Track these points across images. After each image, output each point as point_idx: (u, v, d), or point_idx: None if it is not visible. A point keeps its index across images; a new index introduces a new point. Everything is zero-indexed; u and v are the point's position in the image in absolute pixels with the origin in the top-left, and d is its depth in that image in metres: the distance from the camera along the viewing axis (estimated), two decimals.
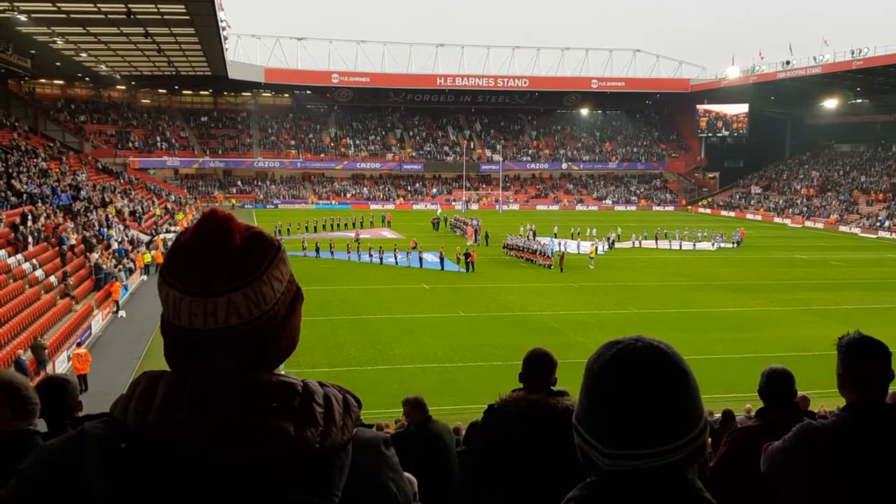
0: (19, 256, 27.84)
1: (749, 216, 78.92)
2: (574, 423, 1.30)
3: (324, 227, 56.01)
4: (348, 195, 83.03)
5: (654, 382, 1.22)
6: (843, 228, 68.11)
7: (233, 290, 1.18)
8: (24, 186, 36.75)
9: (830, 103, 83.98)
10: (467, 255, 39.78)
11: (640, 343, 1.27)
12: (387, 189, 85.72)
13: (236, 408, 1.16)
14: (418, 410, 6.72)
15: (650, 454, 1.21)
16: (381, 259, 41.72)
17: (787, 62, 76.66)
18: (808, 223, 72.39)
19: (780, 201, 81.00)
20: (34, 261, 28.40)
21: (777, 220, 75.81)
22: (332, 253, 43.48)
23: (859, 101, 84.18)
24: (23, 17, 40.83)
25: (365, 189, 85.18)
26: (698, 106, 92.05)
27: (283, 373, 1.27)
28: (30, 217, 31.69)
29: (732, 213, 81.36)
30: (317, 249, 43.68)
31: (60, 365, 20.72)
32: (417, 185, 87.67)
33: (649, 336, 1.31)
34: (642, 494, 1.21)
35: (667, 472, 1.22)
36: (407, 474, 5.69)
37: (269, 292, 1.21)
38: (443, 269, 39.66)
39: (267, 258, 1.22)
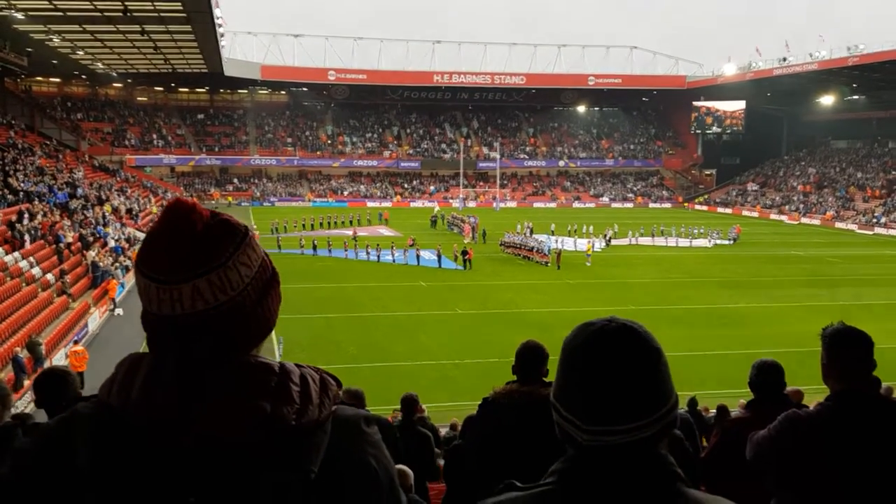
0: (16, 254, 27.80)
1: (745, 213, 79.02)
2: (552, 401, 1.35)
3: (321, 224, 55.97)
4: (345, 193, 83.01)
5: (628, 361, 1.27)
6: (839, 225, 68.24)
7: (197, 276, 1.21)
8: (21, 184, 36.69)
9: (827, 100, 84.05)
10: (465, 252, 39.81)
11: (614, 323, 1.32)
12: (384, 187, 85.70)
13: (214, 388, 1.19)
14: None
15: (626, 429, 1.25)
16: (379, 257, 41.73)
17: (784, 59, 76.72)
18: (804, 220, 72.51)
19: (777, 198, 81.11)
20: (31, 258, 28.37)
21: (773, 216, 75.92)
22: (329, 251, 43.49)
23: (855, 97, 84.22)
24: (19, 15, 40.74)
25: (362, 187, 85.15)
26: (695, 103, 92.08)
27: (260, 355, 1.30)
28: (26, 215, 31.64)
29: (729, 210, 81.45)
30: (314, 247, 43.68)
31: (58, 362, 20.71)
32: (415, 182, 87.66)
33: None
34: (618, 467, 1.26)
35: (640, 446, 1.26)
36: (403, 467, 5.72)
37: (235, 278, 1.24)
38: (440, 266, 39.68)
39: (233, 244, 1.25)
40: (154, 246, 1.24)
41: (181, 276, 1.20)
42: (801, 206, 76.49)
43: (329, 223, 56.79)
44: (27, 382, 17.84)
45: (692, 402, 12.01)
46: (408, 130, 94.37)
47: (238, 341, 1.26)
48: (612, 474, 1.26)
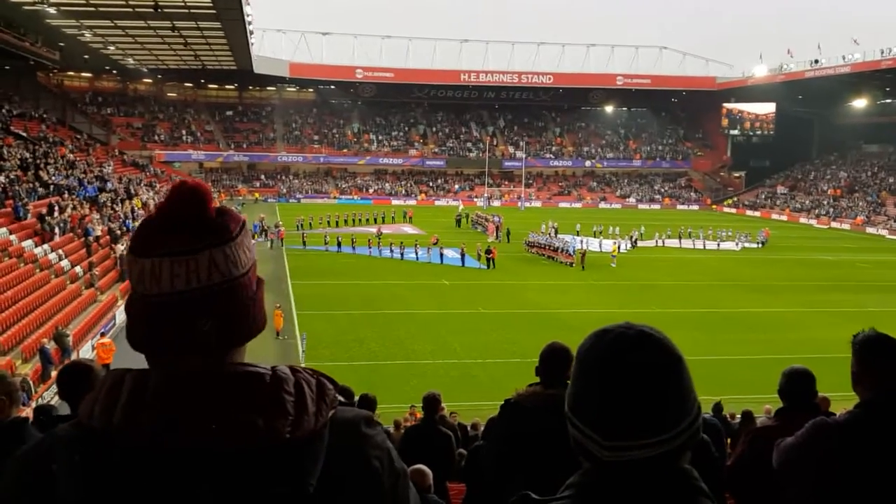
0: (45, 247, 28.21)
1: (775, 216, 78.09)
2: (567, 413, 1.27)
3: (346, 222, 56.18)
4: (370, 190, 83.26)
5: (649, 372, 1.20)
6: (870, 230, 67.18)
7: (214, 246, 1.20)
8: (52, 177, 37.21)
9: (859, 103, 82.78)
10: (488, 251, 39.73)
11: (632, 331, 1.24)
12: (409, 185, 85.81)
13: (202, 404, 1.14)
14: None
15: (647, 444, 1.19)
16: (402, 255, 41.79)
17: (816, 61, 75.74)
18: (834, 224, 71.48)
19: (807, 201, 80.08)
20: (60, 251, 28.76)
21: (803, 220, 74.94)
22: (353, 248, 43.61)
23: (888, 100, 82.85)
24: (52, 10, 41.33)
25: (387, 184, 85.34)
26: (725, 104, 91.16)
27: (250, 362, 1.26)
28: (56, 208, 32.08)
29: (758, 213, 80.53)
30: (338, 244, 43.84)
31: (85, 354, 20.97)
32: (440, 181, 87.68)
33: (666, 329, 1.28)
34: (638, 482, 1.20)
35: (662, 460, 1.20)
36: (422, 466, 5.66)
37: (243, 256, 1.24)
38: (464, 265, 39.65)
39: (238, 225, 1.26)
40: (168, 221, 1.21)
41: (200, 244, 1.19)
42: (831, 210, 75.43)
43: (353, 220, 56.98)
44: (54, 374, 18.08)
45: (717, 407, 11.87)
46: (434, 129, 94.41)
47: (240, 327, 1.24)
48: (632, 489, 1.20)
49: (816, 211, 76.26)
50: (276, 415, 1.15)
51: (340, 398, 1.30)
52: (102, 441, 1.13)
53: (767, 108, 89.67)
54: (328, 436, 1.21)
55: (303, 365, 1.33)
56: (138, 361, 1.28)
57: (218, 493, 1.10)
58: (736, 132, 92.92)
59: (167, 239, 1.20)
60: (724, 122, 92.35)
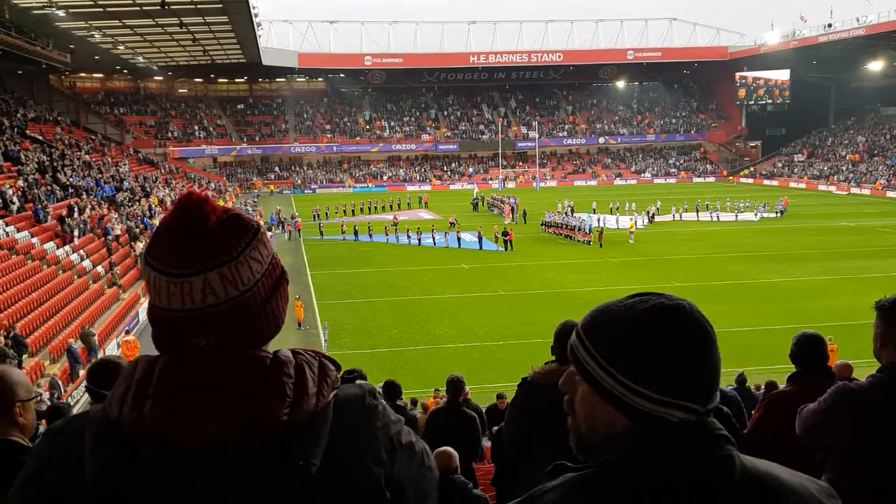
0: (67, 248, 28.50)
1: (793, 184, 77.27)
2: (609, 370, 1.23)
3: (361, 210, 56.27)
4: (385, 177, 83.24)
5: (706, 334, 1.22)
6: (890, 194, 66.29)
7: (208, 269, 1.19)
8: (69, 179, 37.53)
9: (875, 65, 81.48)
10: (505, 233, 39.68)
11: (678, 299, 1.28)
12: (423, 170, 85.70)
13: (202, 391, 1.16)
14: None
15: (692, 409, 1.19)
16: (420, 240, 41.83)
17: (829, 25, 74.62)
18: (854, 190, 70.64)
19: (825, 168, 79.14)
20: (81, 252, 29.06)
21: (822, 187, 74.09)
22: (370, 236, 43.70)
23: None
24: (61, 13, 41.56)
25: (401, 171, 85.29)
26: (738, 74, 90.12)
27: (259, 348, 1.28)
28: (75, 209, 32.38)
29: (775, 182, 79.70)
30: (355, 233, 43.96)
31: (111, 352, 21.24)
32: (453, 164, 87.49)
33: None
34: (673, 441, 1.19)
35: (695, 422, 1.21)
36: (448, 448, 5.70)
37: (246, 273, 1.22)
38: (481, 248, 39.64)
39: (244, 239, 1.23)
40: (165, 238, 1.22)
41: (193, 268, 1.18)
42: (851, 175, 74.51)
43: (369, 208, 57.05)
44: (82, 373, 18.33)
45: (741, 378, 11.85)
46: (445, 113, 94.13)
47: (245, 339, 1.23)
48: (668, 448, 1.19)
49: (835, 177, 75.37)
50: (275, 397, 1.17)
51: (363, 382, 1.31)
52: (116, 430, 1.17)
53: (781, 76, 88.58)
54: (331, 415, 1.22)
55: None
56: None
57: (220, 481, 1.15)
58: (751, 101, 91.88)
59: (164, 256, 1.21)
60: (739, 91, 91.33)
